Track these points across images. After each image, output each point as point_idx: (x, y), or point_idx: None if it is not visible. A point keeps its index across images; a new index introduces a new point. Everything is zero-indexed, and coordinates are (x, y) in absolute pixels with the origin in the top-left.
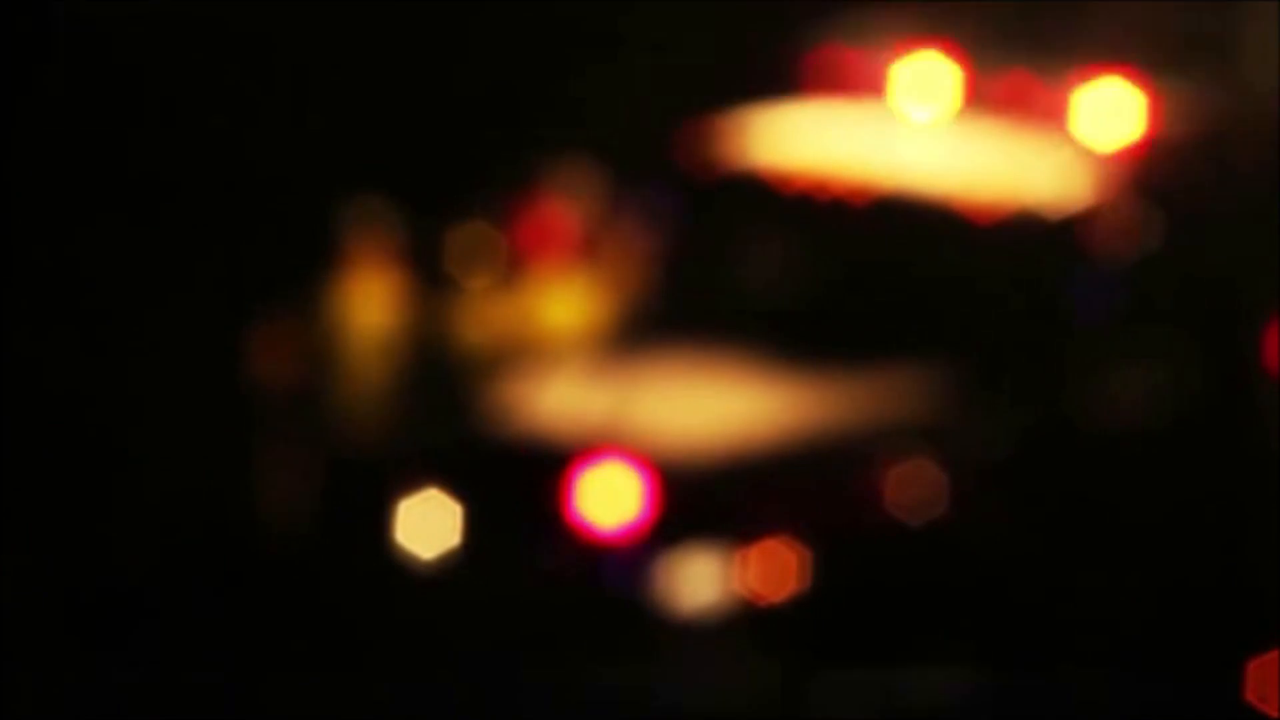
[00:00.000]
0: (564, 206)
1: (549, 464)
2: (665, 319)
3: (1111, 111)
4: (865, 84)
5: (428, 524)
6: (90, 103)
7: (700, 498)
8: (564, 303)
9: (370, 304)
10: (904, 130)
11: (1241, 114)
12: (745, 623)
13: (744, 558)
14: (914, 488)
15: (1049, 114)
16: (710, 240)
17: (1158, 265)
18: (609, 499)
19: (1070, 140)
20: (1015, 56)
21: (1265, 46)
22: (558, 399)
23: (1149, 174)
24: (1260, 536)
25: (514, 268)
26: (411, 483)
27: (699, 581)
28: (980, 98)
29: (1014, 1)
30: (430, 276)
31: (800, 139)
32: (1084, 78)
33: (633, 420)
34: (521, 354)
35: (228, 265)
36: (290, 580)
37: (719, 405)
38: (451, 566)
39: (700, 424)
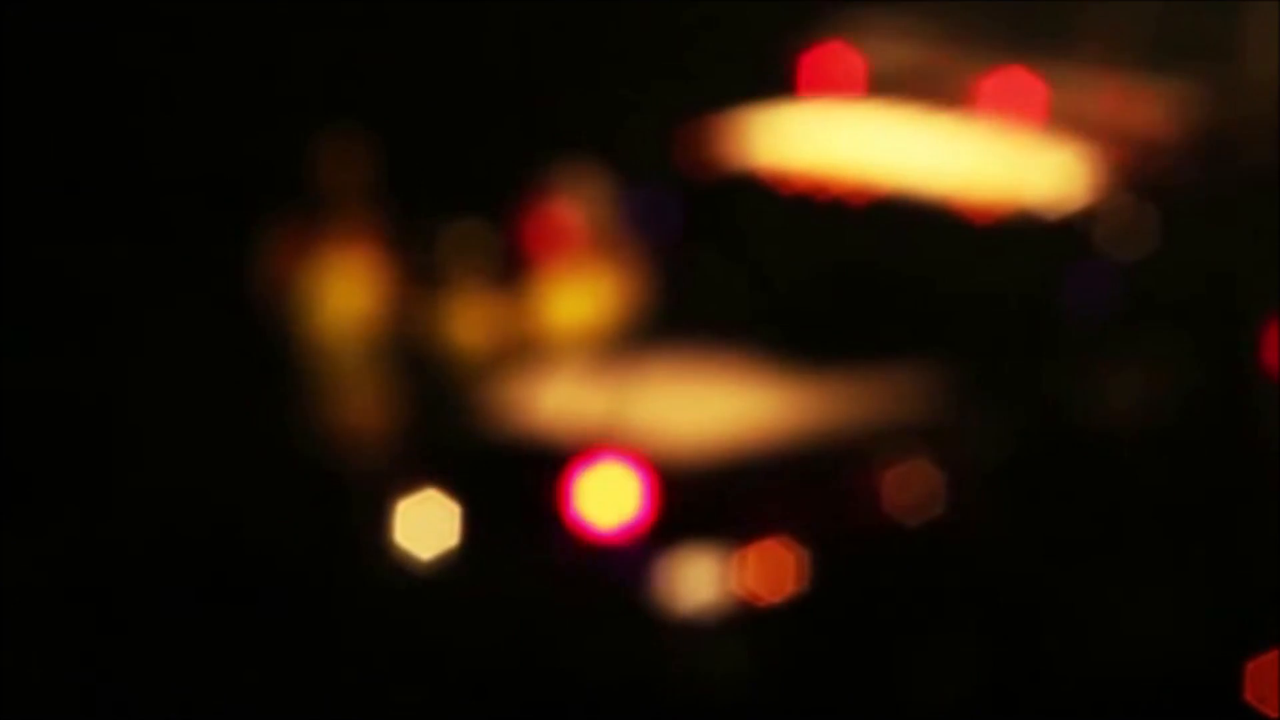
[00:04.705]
0: (565, 206)
1: (549, 464)
2: (665, 319)
3: (1108, 114)
4: (865, 84)
5: (427, 524)
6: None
7: (700, 498)
8: (564, 303)
9: (371, 304)
10: (904, 130)
11: (1241, 114)
12: (744, 623)
13: (742, 558)
14: (912, 488)
15: (1049, 114)
16: (710, 240)
17: (1158, 265)
18: (609, 499)
19: (1070, 140)
20: (1015, 56)
21: (1265, 46)
22: (558, 399)
23: (1149, 174)
24: (1260, 537)
25: (515, 267)
26: (411, 483)
27: (698, 581)
28: (979, 97)
29: (1014, 2)
30: (431, 276)
31: (800, 139)
32: (1083, 77)
33: (633, 420)
34: (521, 354)
35: (225, 267)
36: (290, 580)
37: (718, 405)
38: (451, 566)
39: (700, 424)
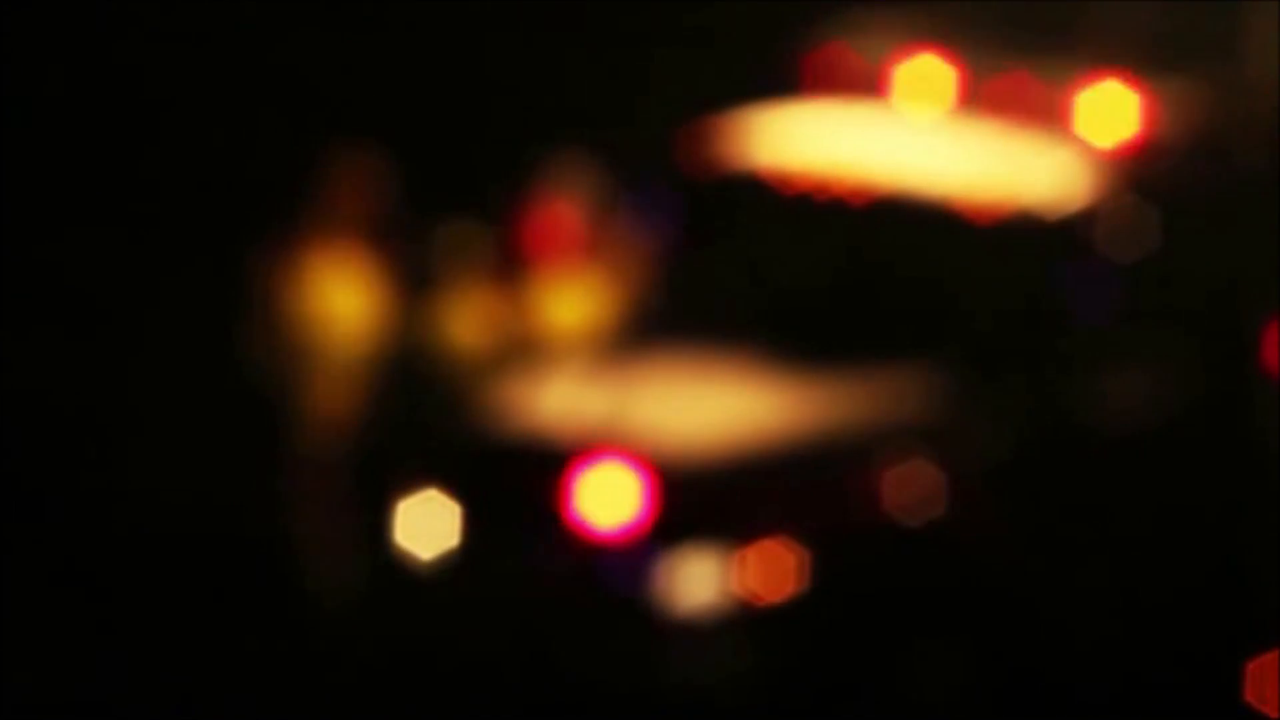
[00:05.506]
0: (565, 206)
1: (548, 464)
2: (665, 319)
3: (1111, 111)
4: (865, 84)
5: (427, 524)
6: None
7: (700, 498)
8: (565, 303)
9: (370, 304)
10: (904, 130)
11: (1241, 114)
12: (744, 623)
13: (743, 558)
14: (912, 488)
15: (1049, 114)
16: (710, 240)
17: (1158, 265)
18: (608, 499)
19: (1070, 140)
20: (1015, 57)
21: (1265, 46)
22: (558, 399)
23: (1149, 174)
24: (1260, 537)
25: (514, 267)
26: (411, 483)
27: (698, 582)
28: (980, 98)
29: (1013, 2)
30: (430, 276)
31: (800, 139)
32: (1083, 78)
33: (633, 420)
34: (521, 354)
35: (224, 266)
36: (290, 580)
37: (718, 405)
38: (451, 567)
39: (700, 424)
